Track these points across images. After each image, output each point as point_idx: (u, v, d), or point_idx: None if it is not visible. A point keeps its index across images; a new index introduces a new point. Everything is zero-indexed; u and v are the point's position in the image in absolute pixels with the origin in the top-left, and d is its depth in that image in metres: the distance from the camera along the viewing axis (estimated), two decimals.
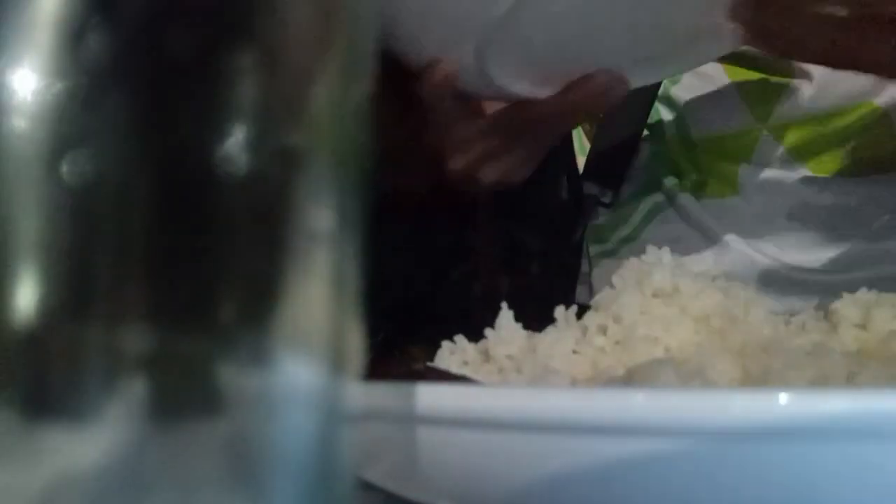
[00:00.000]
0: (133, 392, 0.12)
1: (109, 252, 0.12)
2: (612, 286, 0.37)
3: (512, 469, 0.23)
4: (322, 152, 0.14)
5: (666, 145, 0.73)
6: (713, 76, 0.70)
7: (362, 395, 0.26)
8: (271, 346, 0.13)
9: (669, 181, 0.72)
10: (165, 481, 0.13)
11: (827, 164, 0.68)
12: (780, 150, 0.69)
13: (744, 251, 0.69)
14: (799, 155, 0.69)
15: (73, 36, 0.12)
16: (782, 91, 0.68)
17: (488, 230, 0.74)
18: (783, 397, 0.19)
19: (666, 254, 0.38)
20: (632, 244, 0.73)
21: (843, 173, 0.68)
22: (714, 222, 0.71)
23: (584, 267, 0.75)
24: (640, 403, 0.21)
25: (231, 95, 0.13)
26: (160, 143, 0.13)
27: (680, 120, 0.72)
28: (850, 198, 0.68)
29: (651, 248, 0.38)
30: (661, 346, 0.34)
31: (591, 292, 0.73)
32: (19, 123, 0.12)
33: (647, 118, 0.72)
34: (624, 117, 0.72)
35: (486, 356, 0.37)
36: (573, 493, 0.22)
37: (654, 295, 0.35)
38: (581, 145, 0.81)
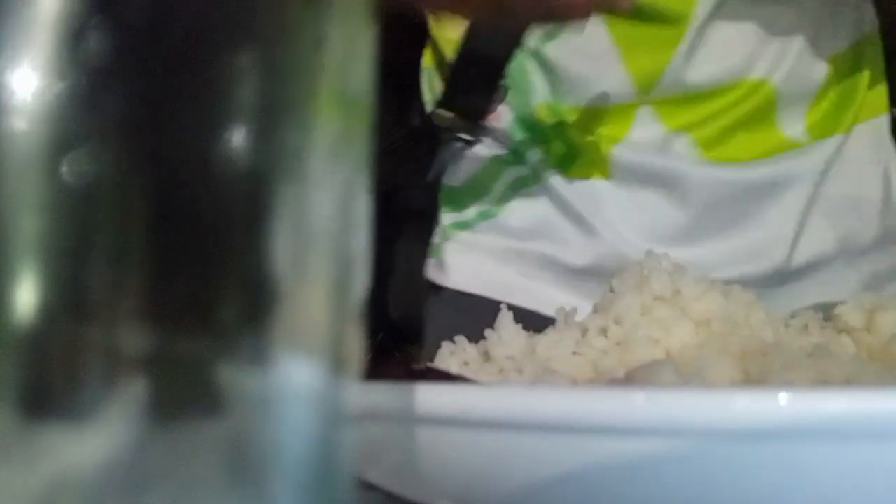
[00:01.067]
0: (133, 392, 0.12)
1: (109, 252, 0.12)
2: (611, 290, 0.37)
3: (512, 469, 0.23)
4: (323, 152, 0.14)
5: (533, 112, 0.63)
6: (594, 35, 0.60)
7: (362, 395, 0.26)
8: (271, 346, 0.13)
9: (534, 155, 0.63)
10: (165, 481, 0.13)
11: (710, 138, 0.62)
12: (661, 128, 0.62)
13: (614, 243, 0.62)
14: (679, 135, 0.62)
15: (73, 36, 0.12)
16: (668, 60, 0.60)
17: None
18: (783, 397, 0.19)
19: (665, 259, 0.38)
20: (492, 220, 0.65)
21: (727, 158, 0.62)
22: (581, 204, 0.63)
23: (435, 237, 0.67)
24: (640, 403, 0.21)
25: (231, 95, 0.13)
26: (160, 142, 0.13)
27: (552, 86, 0.62)
28: (732, 188, 0.62)
29: (649, 253, 0.38)
30: (662, 348, 0.34)
31: (444, 270, 0.65)
32: (19, 123, 0.12)
33: (516, 46, 0.60)
34: (489, 43, 0.60)
35: (487, 357, 0.37)
36: (573, 493, 0.22)
37: (655, 298, 0.36)
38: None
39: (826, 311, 0.38)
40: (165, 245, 0.13)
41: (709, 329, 0.34)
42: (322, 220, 0.14)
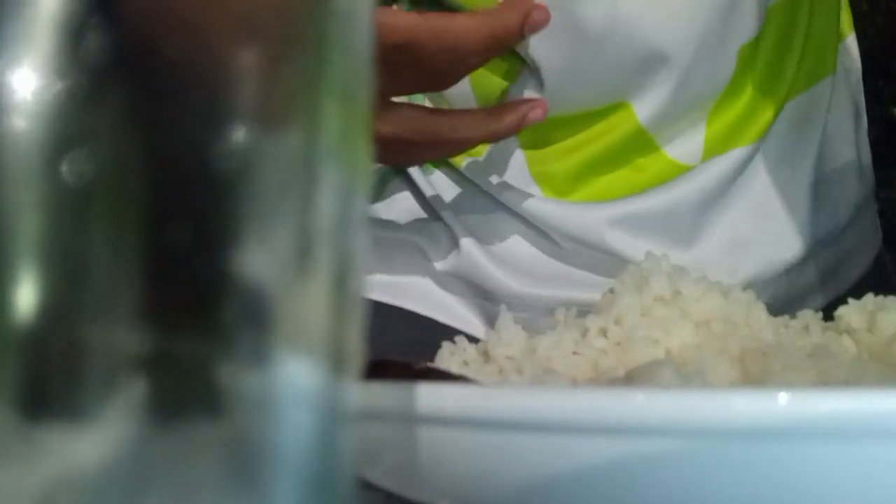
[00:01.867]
0: (133, 392, 0.12)
1: (109, 252, 0.12)
2: (611, 290, 0.37)
3: (512, 469, 0.23)
4: (323, 151, 0.14)
5: None
6: None
7: (362, 395, 0.26)
8: (271, 346, 0.13)
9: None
10: (165, 481, 0.13)
11: (560, 184, 0.57)
12: (519, 152, 0.58)
13: (478, 260, 0.58)
14: (532, 164, 0.58)
15: (73, 36, 0.12)
16: (514, 79, 0.56)
17: None
18: (783, 397, 0.19)
19: (664, 260, 0.38)
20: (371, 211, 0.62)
21: (585, 198, 0.57)
22: (447, 212, 0.60)
23: None
24: (640, 403, 0.21)
25: (232, 93, 0.13)
26: (160, 142, 0.13)
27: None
28: (584, 222, 0.56)
29: (649, 254, 0.38)
30: (662, 348, 0.34)
31: None
32: (19, 123, 0.12)
33: None
34: None
35: (487, 357, 0.37)
36: (573, 493, 0.22)
37: (655, 299, 0.36)
38: None
39: (826, 312, 0.38)
40: (165, 245, 0.13)
41: (708, 329, 0.34)
42: (322, 219, 0.14)
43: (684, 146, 0.56)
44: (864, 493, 0.20)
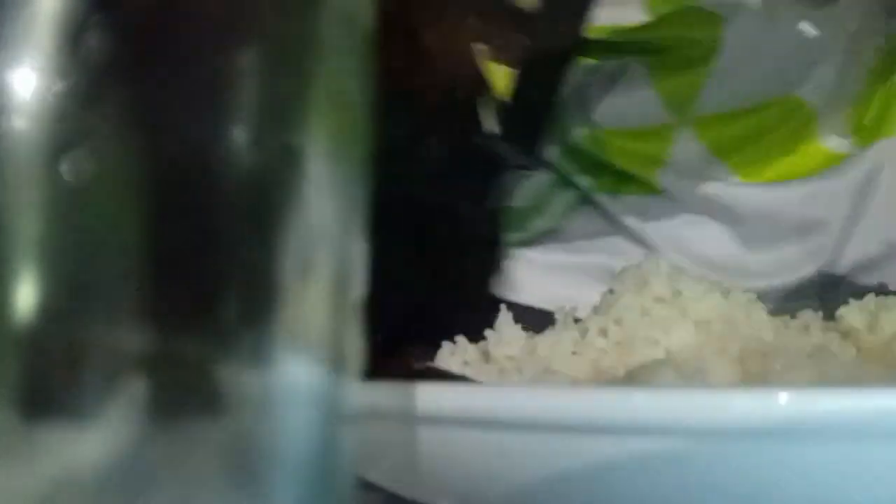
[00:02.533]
0: (133, 392, 0.12)
1: (109, 252, 0.12)
2: (611, 291, 0.37)
3: (512, 469, 0.23)
4: (323, 151, 0.14)
5: (576, 143, 0.66)
6: (626, 65, 0.63)
7: (362, 395, 0.26)
8: (271, 346, 0.13)
9: (582, 181, 0.66)
10: (165, 481, 0.13)
11: (751, 164, 0.64)
12: (701, 148, 0.64)
13: (672, 256, 0.63)
14: (721, 154, 0.64)
15: (73, 35, 0.12)
16: (700, 83, 0.62)
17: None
18: (783, 397, 0.19)
19: (663, 262, 0.38)
20: (553, 236, 0.67)
21: (768, 178, 0.64)
22: (635, 221, 0.66)
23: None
24: (639, 403, 0.21)
25: (232, 94, 0.13)
26: (160, 142, 0.13)
27: (590, 116, 0.65)
28: (777, 201, 0.64)
29: (649, 256, 0.38)
30: (662, 348, 0.34)
31: (511, 287, 0.67)
32: (19, 123, 0.12)
33: (568, 70, 0.63)
34: (540, 79, 0.64)
35: (487, 357, 0.37)
36: (573, 492, 0.22)
37: (655, 299, 0.36)
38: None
39: (827, 312, 0.38)
40: (166, 245, 0.13)
41: (709, 329, 0.34)
42: (322, 219, 0.14)
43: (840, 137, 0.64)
44: (864, 493, 0.20)
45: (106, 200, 0.12)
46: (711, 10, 0.62)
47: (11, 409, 0.12)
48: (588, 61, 0.64)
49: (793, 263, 0.65)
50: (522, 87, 0.64)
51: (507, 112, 0.66)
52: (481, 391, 0.23)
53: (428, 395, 0.23)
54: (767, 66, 0.62)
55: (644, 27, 0.62)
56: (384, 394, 0.24)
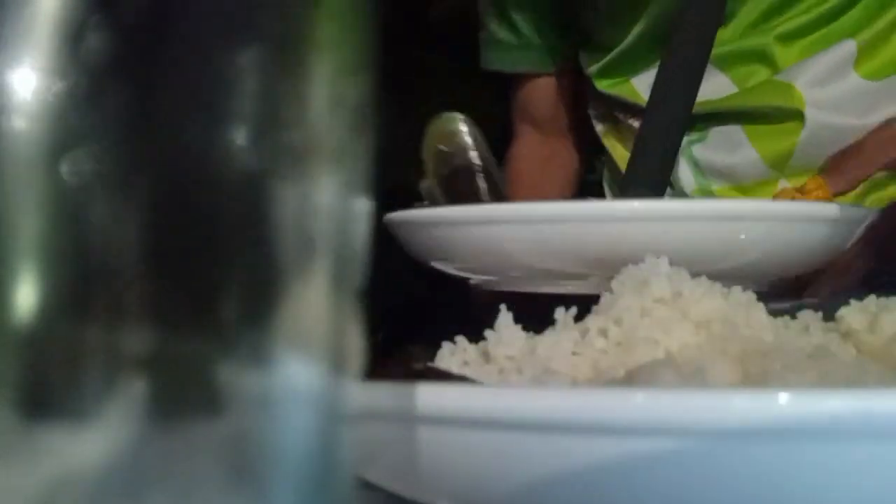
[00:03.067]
0: (133, 392, 0.12)
1: (109, 252, 0.12)
2: (611, 291, 0.37)
3: (512, 469, 0.23)
4: (322, 151, 0.14)
5: (689, 197, 0.76)
6: (730, 132, 0.76)
7: (362, 395, 0.26)
8: (271, 346, 0.13)
9: None
10: (165, 480, 0.13)
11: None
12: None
13: None
14: None
15: (73, 36, 0.12)
16: (794, 143, 0.73)
17: None
18: (783, 397, 0.19)
19: (664, 263, 0.38)
20: None
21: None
22: None
23: None
24: (639, 403, 0.21)
25: (231, 94, 0.13)
26: (160, 142, 0.13)
27: (701, 176, 0.77)
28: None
29: (649, 257, 0.38)
30: (662, 349, 0.33)
31: None
32: (19, 123, 0.12)
33: (689, 118, 0.74)
34: (659, 143, 0.75)
35: (487, 357, 0.37)
36: (573, 492, 0.22)
37: (655, 300, 0.35)
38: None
39: (828, 312, 0.38)
40: (165, 245, 0.13)
41: (709, 330, 0.34)
42: (322, 220, 0.14)
43: None
44: (864, 493, 0.20)
45: (106, 200, 0.12)
46: (790, 83, 0.74)
47: (11, 409, 0.12)
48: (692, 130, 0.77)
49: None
50: (645, 145, 0.75)
51: (630, 170, 0.77)
52: (481, 391, 0.23)
53: (428, 395, 0.23)
54: (852, 129, 0.71)
55: (734, 96, 0.75)
56: (384, 394, 0.24)
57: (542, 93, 0.92)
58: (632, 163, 0.77)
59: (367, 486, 0.29)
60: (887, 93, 0.74)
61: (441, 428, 0.23)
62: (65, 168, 0.12)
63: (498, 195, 0.60)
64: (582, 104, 0.91)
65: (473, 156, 0.59)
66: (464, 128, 0.62)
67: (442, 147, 0.58)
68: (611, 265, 0.40)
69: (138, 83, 0.13)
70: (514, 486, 0.23)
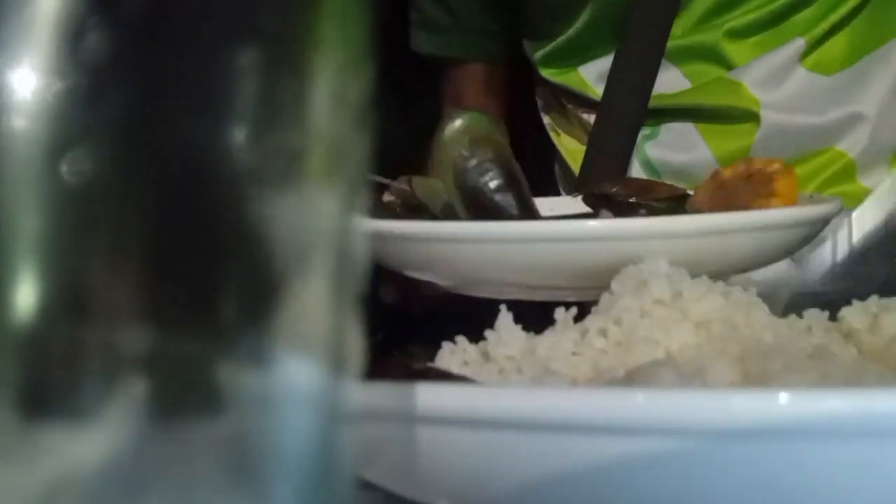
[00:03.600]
0: (133, 392, 0.12)
1: (109, 251, 0.12)
2: (611, 292, 0.37)
3: (512, 469, 0.23)
4: (322, 151, 0.14)
5: None
6: (684, 131, 0.75)
7: (362, 395, 0.26)
8: (271, 345, 0.13)
9: None
10: (165, 481, 0.13)
11: None
12: None
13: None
14: None
15: (73, 36, 0.12)
16: (749, 143, 0.73)
17: None
18: (783, 397, 0.19)
19: (663, 264, 0.38)
20: None
21: None
22: None
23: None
24: (639, 403, 0.21)
25: (231, 94, 0.13)
26: (160, 142, 0.13)
27: (654, 175, 0.75)
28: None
29: (649, 259, 0.38)
30: (662, 349, 0.33)
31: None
32: (19, 123, 0.12)
33: (638, 130, 0.74)
34: (613, 142, 0.74)
35: (487, 357, 0.37)
36: (573, 492, 0.22)
37: (655, 301, 0.35)
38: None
39: (831, 312, 0.38)
40: (165, 245, 0.13)
41: (709, 330, 0.34)
42: (322, 219, 0.14)
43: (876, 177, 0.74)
44: (864, 493, 0.20)
45: (105, 200, 0.12)
46: (740, 82, 0.73)
47: (11, 409, 0.12)
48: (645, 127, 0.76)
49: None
50: (597, 145, 0.74)
51: (584, 169, 0.76)
52: (481, 391, 0.23)
53: (428, 395, 0.23)
54: (810, 129, 0.72)
55: (686, 93, 0.74)
56: (384, 394, 0.24)
57: (475, 80, 0.87)
58: (587, 160, 0.76)
59: (367, 486, 0.29)
60: (841, 89, 0.73)
61: (441, 428, 0.23)
62: (65, 168, 0.12)
63: (531, 213, 0.52)
64: (520, 97, 0.87)
65: (507, 170, 0.48)
66: (497, 135, 0.50)
67: (464, 153, 0.48)
68: (585, 280, 0.40)
69: (137, 83, 0.13)
70: (514, 486, 0.23)
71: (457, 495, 0.25)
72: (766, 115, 0.73)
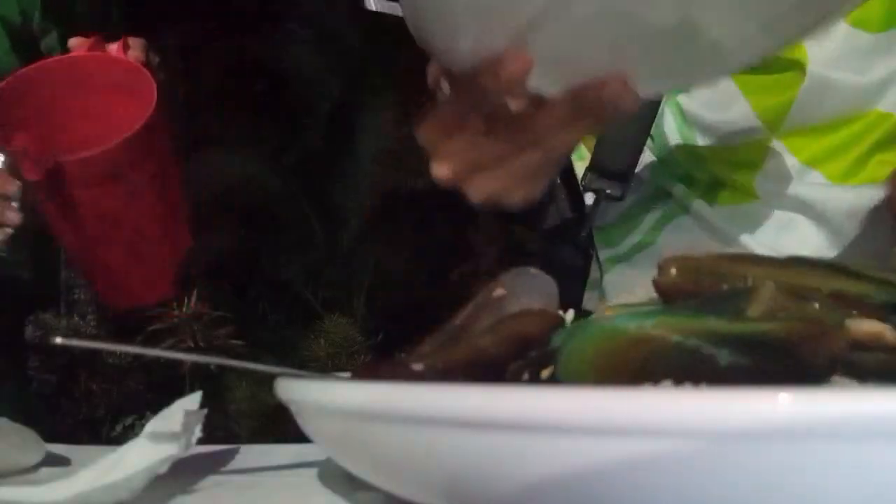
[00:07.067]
0: None
1: None
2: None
3: (512, 469, 0.23)
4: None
5: (671, 154, 0.73)
6: (720, 85, 0.70)
7: (362, 395, 0.26)
8: None
9: (679, 189, 0.72)
10: None
11: (841, 171, 0.70)
12: (792, 160, 0.70)
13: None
14: (812, 163, 0.70)
15: None
16: (792, 99, 0.70)
17: (488, 230, 0.74)
18: (783, 397, 0.19)
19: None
20: (646, 250, 0.73)
21: (861, 179, 0.70)
22: (731, 228, 0.71)
23: (595, 272, 0.74)
24: (640, 403, 0.21)
25: None
26: None
27: (686, 130, 0.72)
28: (868, 201, 0.69)
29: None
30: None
31: (603, 298, 0.72)
32: None
33: (656, 114, 0.71)
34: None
35: None
36: (572, 493, 0.22)
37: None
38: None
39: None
40: None
41: None
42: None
43: None
44: (864, 494, 0.20)
45: None
46: None
47: None
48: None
49: (882, 260, 0.68)
50: (614, 125, 0.68)
51: (601, 149, 0.72)
52: (480, 391, 0.23)
53: (427, 395, 0.23)
54: (855, 85, 0.69)
55: None
56: (384, 394, 0.24)
57: None
58: (597, 151, 0.73)
59: (367, 486, 0.29)
60: (882, 48, 0.71)
61: (441, 428, 0.23)
62: None
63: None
64: None
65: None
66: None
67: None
68: None
69: None
70: (513, 487, 0.23)
71: (455, 495, 0.25)
72: (811, 69, 0.70)
